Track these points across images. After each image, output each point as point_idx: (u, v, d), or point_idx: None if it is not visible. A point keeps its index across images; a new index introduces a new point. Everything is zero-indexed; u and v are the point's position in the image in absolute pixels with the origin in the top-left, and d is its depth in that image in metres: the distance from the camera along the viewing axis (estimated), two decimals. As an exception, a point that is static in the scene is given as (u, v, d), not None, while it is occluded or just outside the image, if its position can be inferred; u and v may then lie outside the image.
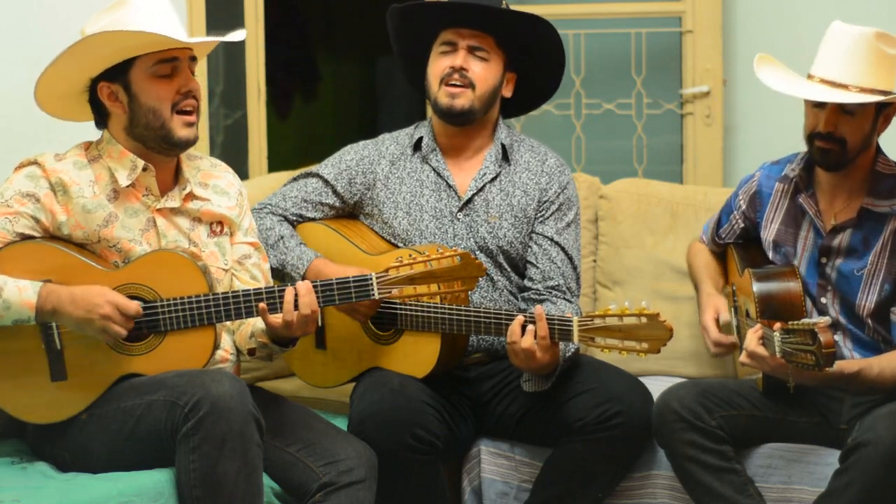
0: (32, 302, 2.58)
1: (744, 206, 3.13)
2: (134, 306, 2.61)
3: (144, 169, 2.73)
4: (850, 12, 4.33)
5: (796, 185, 2.99)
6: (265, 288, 2.71)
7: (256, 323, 2.80)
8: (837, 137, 2.83)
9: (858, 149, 2.86)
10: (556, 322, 2.82)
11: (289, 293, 2.67)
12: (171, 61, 2.68)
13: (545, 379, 2.96)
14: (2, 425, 2.81)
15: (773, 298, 2.93)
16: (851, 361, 2.81)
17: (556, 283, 3.11)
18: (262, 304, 2.67)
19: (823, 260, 2.94)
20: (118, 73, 2.67)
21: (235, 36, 2.77)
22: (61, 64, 2.64)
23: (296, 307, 2.67)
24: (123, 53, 2.65)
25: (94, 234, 2.70)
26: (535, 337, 2.82)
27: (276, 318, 2.68)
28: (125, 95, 2.69)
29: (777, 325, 2.68)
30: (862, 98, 2.78)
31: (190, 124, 2.71)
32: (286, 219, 3.18)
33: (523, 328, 2.84)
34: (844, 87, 2.79)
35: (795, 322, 2.64)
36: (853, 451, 2.68)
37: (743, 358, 2.80)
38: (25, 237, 2.66)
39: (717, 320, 3.06)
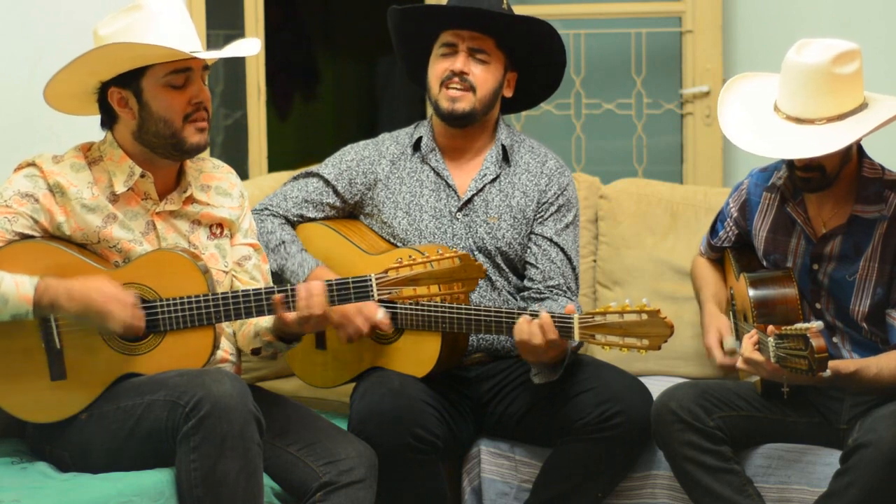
0: (30, 296, 2.58)
1: (735, 214, 3.12)
2: (132, 297, 2.61)
3: (142, 175, 2.73)
4: (850, 12, 4.33)
5: (783, 194, 2.98)
6: (265, 288, 2.70)
7: (259, 322, 2.80)
8: (815, 166, 2.80)
9: (839, 169, 2.83)
10: (556, 319, 2.82)
11: (302, 290, 2.67)
12: (185, 71, 2.66)
13: (553, 369, 2.96)
14: (2, 425, 2.81)
15: (768, 303, 2.93)
16: (849, 361, 2.81)
17: (557, 282, 3.11)
18: (276, 297, 2.66)
19: (815, 267, 2.93)
20: (130, 79, 2.66)
21: (251, 50, 2.76)
22: (73, 69, 2.63)
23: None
24: (137, 61, 2.63)
25: (93, 234, 2.70)
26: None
27: (290, 314, 2.68)
28: (136, 102, 2.68)
29: (770, 330, 2.68)
30: (824, 149, 2.71)
31: (202, 130, 2.70)
32: (287, 220, 3.18)
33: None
34: (810, 121, 2.73)
35: (789, 327, 2.63)
36: (854, 451, 2.68)
37: (739, 363, 2.80)
38: (25, 237, 2.66)
39: (721, 343, 3.04)
